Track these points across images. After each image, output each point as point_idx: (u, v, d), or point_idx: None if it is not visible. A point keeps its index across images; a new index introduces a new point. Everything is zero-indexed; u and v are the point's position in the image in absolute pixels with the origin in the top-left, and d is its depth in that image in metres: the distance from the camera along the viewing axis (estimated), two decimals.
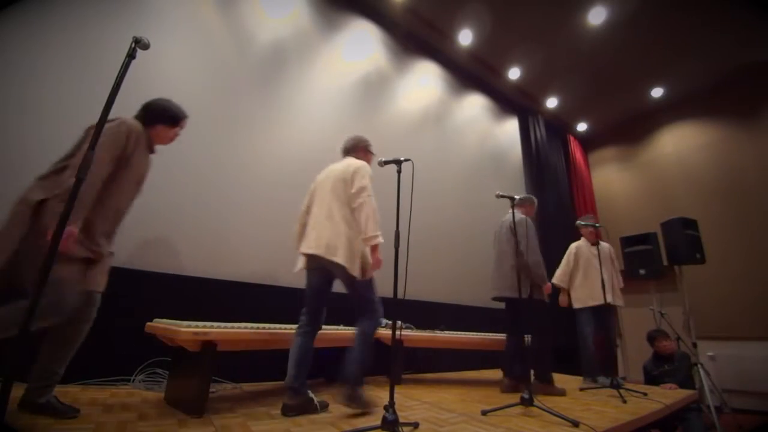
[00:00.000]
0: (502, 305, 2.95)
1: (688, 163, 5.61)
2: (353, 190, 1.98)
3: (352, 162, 2.13)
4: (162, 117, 1.79)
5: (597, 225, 3.38)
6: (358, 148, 2.28)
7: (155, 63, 2.66)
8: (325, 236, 1.94)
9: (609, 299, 3.17)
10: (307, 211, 2.19)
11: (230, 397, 2.10)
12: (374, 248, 1.90)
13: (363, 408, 1.83)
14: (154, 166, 2.64)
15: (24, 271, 1.36)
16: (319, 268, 1.98)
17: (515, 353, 2.80)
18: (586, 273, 3.48)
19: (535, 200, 3.19)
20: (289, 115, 3.45)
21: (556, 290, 3.46)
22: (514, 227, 2.53)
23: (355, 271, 1.89)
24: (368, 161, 2.23)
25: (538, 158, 5.96)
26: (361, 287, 1.95)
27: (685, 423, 2.76)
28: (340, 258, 1.87)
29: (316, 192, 2.18)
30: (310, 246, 1.98)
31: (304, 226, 2.17)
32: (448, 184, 4.64)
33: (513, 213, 2.59)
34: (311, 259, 2.00)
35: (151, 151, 1.80)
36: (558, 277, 3.56)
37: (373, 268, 1.93)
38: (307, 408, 1.83)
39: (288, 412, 1.79)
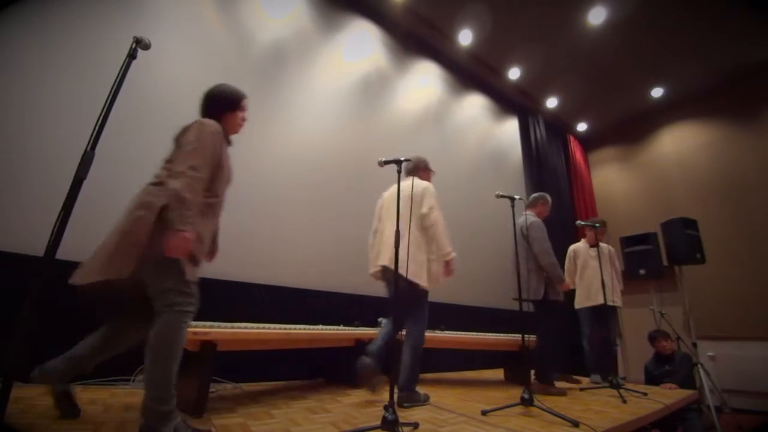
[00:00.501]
0: (501, 305, 2.97)
1: (688, 163, 5.61)
2: (424, 210, 2.22)
3: (419, 183, 2.35)
4: (224, 103, 1.70)
5: (597, 225, 3.39)
6: (419, 168, 2.48)
7: (155, 63, 2.66)
8: (394, 250, 2.12)
9: (603, 300, 3.17)
10: (377, 228, 2.46)
11: (230, 397, 2.09)
12: (448, 261, 2.18)
13: (422, 402, 2.10)
14: (154, 165, 2.65)
15: (147, 276, 1.38)
16: (391, 276, 2.18)
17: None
18: (582, 274, 3.52)
19: (548, 198, 3.14)
20: (289, 115, 3.45)
21: (571, 291, 3.56)
22: (515, 230, 2.54)
23: (422, 282, 2.15)
24: (429, 179, 2.45)
25: (538, 158, 5.96)
26: (419, 297, 2.18)
27: (685, 423, 2.76)
28: (405, 271, 2.11)
29: (383, 208, 2.46)
30: (383, 260, 2.26)
31: (379, 240, 2.41)
32: (448, 184, 4.63)
33: (514, 215, 2.59)
34: (385, 270, 2.25)
35: (229, 143, 1.71)
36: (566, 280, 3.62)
37: (446, 276, 2.22)
38: (367, 375, 2.04)
39: (361, 371, 2.03)
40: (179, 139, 1.53)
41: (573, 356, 3.75)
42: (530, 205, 3.08)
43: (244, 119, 1.78)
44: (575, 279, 3.60)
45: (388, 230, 2.30)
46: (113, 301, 1.49)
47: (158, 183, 1.44)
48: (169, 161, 1.52)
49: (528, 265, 2.70)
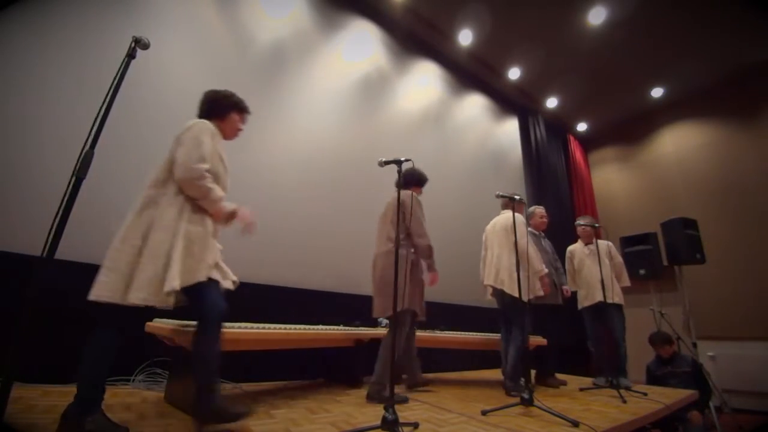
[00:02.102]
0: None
1: (688, 163, 5.61)
2: (516, 239, 2.65)
3: (510, 215, 2.83)
4: (416, 180, 2.60)
5: (594, 225, 3.38)
6: (511, 203, 2.91)
7: (155, 63, 2.66)
8: (496, 271, 2.79)
9: (600, 298, 3.16)
10: (485, 254, 3.02)
11: (230, 397, 2.09)
12: (542, 278, 2.72)
13: (522, 392, 2.27)
14: (153, 164, 2.64)
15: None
16: (498, 292, 2.78)
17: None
18: (579, 273, 3.47)
19: (533, 211, 3.41)
20: (290, 116, 3.45)
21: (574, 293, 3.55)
22: (515, 231, 2.55)
23: (516, 294, 2.52)
24: (521, 211, 2.93)
25: (538, 158, 5.95)
26: (518, 306, 2.59)
27: (686, 423, 2.76)
28: (506, 287, 2.67)
29: (487, 239, 3.04)
30: (488, 279, 2.86)
31: (486, 265, 2.97)
32: (449, 184, 4.63)
33: (514, 216, 2.62)
34: (492, 287, 2.83)
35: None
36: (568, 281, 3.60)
37: (544, 289, 2.74)
38: (518, 390, 2.45)
39: (512, 390, 2.56)
40: (403, 209, 2.27)
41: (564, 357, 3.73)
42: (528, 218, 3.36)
43: (421, 192, 2.63)
44: (576, 279, 3.57)
45: (489, 256, 2.92)
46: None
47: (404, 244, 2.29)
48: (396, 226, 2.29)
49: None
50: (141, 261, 1.34)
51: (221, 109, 1.74)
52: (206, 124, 1.60)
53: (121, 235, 1.38)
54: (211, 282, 1.48)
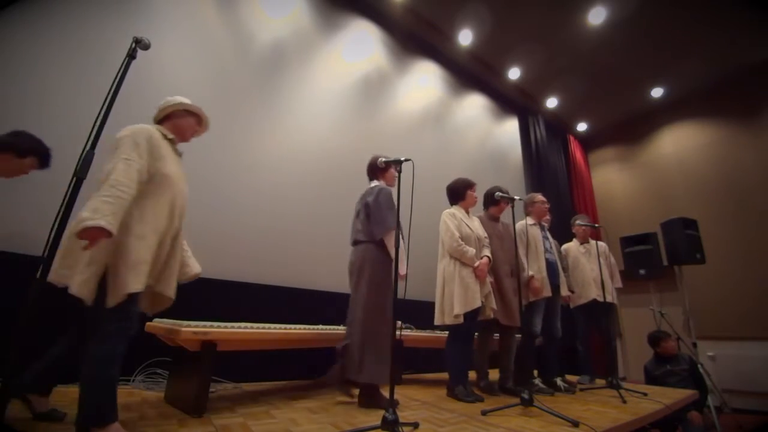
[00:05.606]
0: None
1: (688, 163, 5.61)
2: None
3: (521, 223, 2.92)
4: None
5: (594, 225, 3.38)
6: (526, 206, 3.06)
7: (155, 63, 2.66)
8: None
9: (594, 296, 3.16)
10: None
11: (230, 397, 2.09)
12: (529, 280, 2.71)
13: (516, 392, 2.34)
14: None
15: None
16: None
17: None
18: (573, 272, 3.46)
19: (533, 197, 3.17)
20: (289, 116, 3.45)
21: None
22: (515, 231, 2.55)
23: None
24: (539, 213, 3.05)
25: (538, 158, 5.95)
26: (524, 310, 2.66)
27: (685, 423, 2.76)
28: None
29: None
30: None
31: None
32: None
33: (513, 216, 2.60)
34: None
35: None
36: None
37: (532, 291, 2.69)
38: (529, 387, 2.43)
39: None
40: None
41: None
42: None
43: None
44: (570, 278, 3.56)
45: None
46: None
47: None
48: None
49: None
50: None
51: None
52: None
53: None
54: None
